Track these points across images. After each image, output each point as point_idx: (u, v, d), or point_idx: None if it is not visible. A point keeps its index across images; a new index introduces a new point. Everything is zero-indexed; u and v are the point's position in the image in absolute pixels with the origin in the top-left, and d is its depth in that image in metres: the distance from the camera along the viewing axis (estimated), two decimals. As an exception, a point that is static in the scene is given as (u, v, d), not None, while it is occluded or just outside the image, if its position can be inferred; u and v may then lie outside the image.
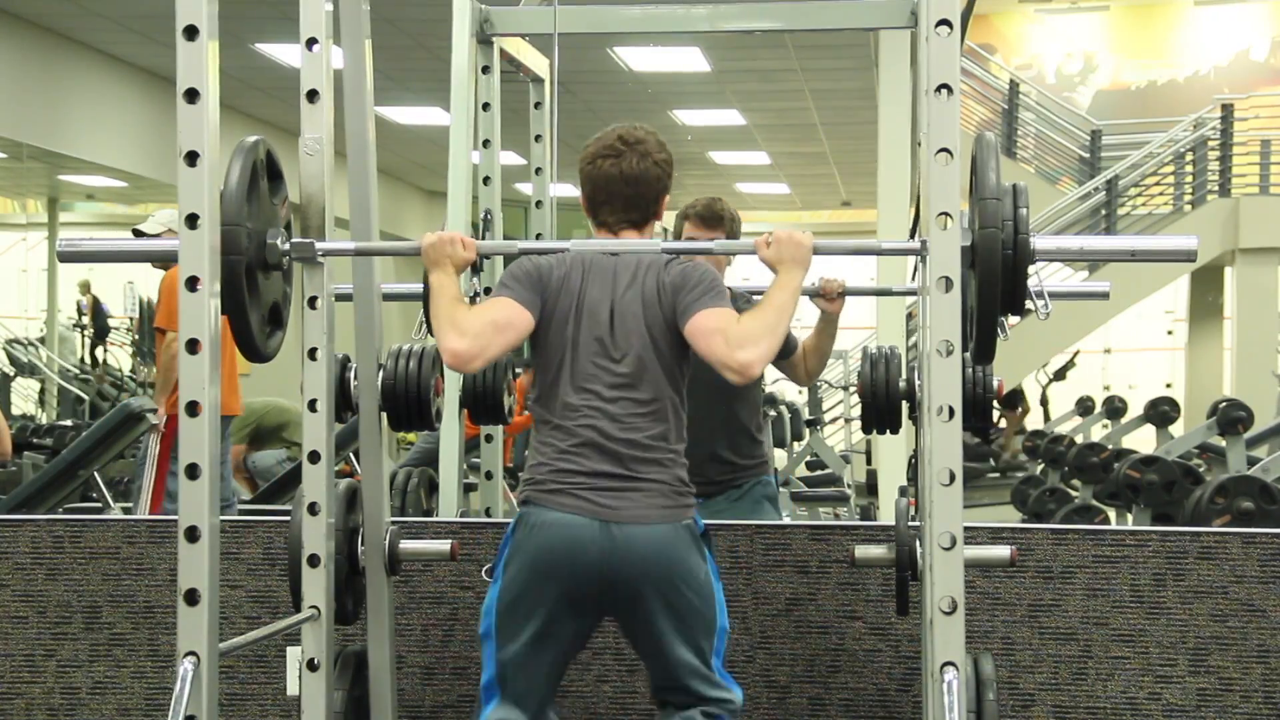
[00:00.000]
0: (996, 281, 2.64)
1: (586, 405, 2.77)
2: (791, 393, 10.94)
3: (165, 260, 3.09)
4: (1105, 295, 3.86)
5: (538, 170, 4.80)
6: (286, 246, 2.84)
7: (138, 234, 6.28)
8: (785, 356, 3.92)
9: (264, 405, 8.17)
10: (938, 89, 2.63)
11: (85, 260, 3.17)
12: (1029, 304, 2.74)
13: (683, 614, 2.74)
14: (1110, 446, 8.94)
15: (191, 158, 2.59)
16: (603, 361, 2.77)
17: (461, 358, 2.72)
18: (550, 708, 2.84)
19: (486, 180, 4.48)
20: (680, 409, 2.83)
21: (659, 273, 2.80)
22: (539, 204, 4.80)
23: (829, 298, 3.73)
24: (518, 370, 4.55)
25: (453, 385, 4.03)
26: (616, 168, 2.85)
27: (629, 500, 2.73)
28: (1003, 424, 12.82)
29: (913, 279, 3.43)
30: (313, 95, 2.93)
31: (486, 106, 4.47)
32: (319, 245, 2.92)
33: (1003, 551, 3.00)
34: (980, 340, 2.73)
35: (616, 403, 2.76)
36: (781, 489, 7.59)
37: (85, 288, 12.95)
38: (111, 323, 13.01)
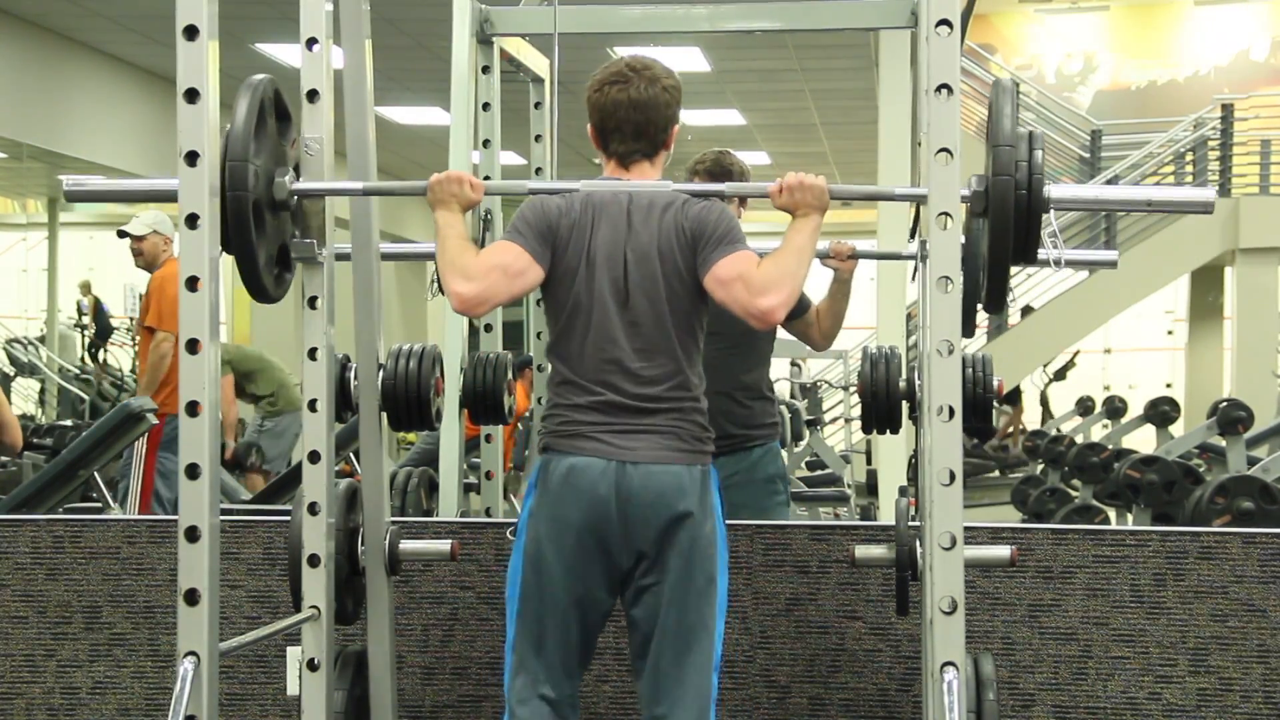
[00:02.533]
0: (1009, 229, 2.61)
1: (601, 354, 2.76)
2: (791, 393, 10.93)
3: (167, 199, 3.07)
4: (1113, 264, 3.83)
5: (538, 170, 4.80)
6: (296, 185, 2.81)
7: (122, 235, 6.27)
8: (799, 316, 3.93)
9: (237, 350, 8.13)
10: (938, 89, 2.63)
11: (91, 200, 3.16)
12: (1042, 253, 2.71)
13: (686, 560, 2.73)
14: (1110, 446, 8.93)
15: (191, 158, 2.59)
16: (616, 308, 2.75)
17: (468, 302, 2.71)
18: (575, 684, 2.81)
19: (487, 180, 4.48)
20: (696, 354, 2.81)
21: (676, 214, 2.77)
22: (539, 204, 4.80)
23: (841, 258, 3.74)
24: (518, 373, 4.55)
25: (453, 385, 4.03)
26: (625, 93, 2.81)
27: (644, 441, 2.74)
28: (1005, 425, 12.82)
29: (913, 279, 3.44)
30: (313, 95, 2.93)
31: (486, 106, 4.48)
32: (312, 185, 2.86)
33: (1003, 551, 3.00)
34: (991, 290, 2.71)
35: (632, 351, 2.75)
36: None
37: (86, 288, 12.95)
38: (113, 323, 13.01)
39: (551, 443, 2.79)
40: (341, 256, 3.06)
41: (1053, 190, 2.68)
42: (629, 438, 2.75)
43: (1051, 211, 2.69)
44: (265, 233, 2.77)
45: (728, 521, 2.88)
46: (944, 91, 2.63)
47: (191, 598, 2.56)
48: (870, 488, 8.27)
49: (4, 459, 6.95)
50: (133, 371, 12.45)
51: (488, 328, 4.50)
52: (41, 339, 12.10)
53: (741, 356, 3.88)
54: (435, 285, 3.00)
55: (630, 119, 2.82)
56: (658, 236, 2.76)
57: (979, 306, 2.90)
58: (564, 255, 2.77)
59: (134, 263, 6.30)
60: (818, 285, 4.01)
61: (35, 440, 8.03)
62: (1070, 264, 3.77)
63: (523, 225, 2.78)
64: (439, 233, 2.79)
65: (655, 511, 2.73)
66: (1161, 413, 9.80)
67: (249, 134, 2.68)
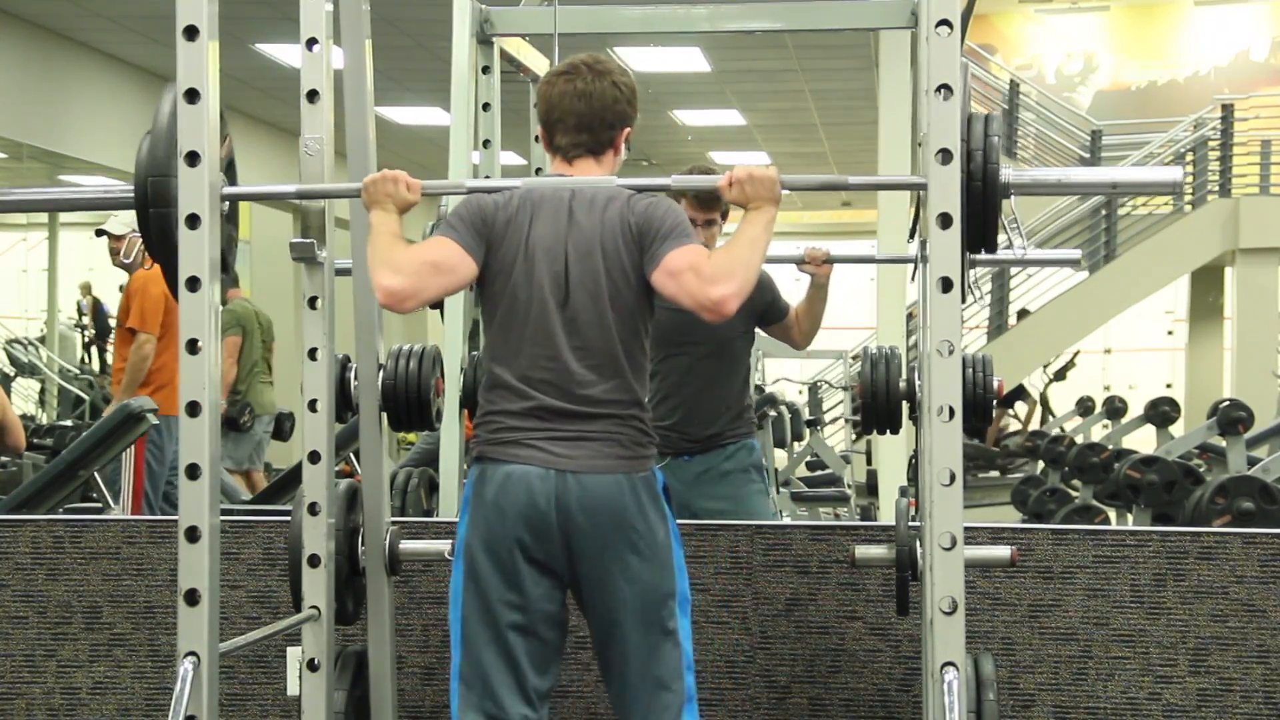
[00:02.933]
0: (963, 217, 2.57)
1: (539, 354, 2.64)
2: (791, 393, 10.94)
3: (91, 207, 3.05)
4: (1076, 263, 3.83)
5: (538, 170, 4.80)
6: (226, 190, 2.74)
7: (100, 233, 6.25)
8: (778, 320, 3.99)
9: (253, 319, 7.64)
10: (938, 89, 2.63)
11: (16, 210, 3.16)
12: (1002, 238, 2.65)
13: (637, 574, 2.61)
14: (1110, 446, 8.93)
15: (192, 158, 2.59)
16: (555, 306, 2.63)
17: (396, 295, 2.59)
18: (538, 709, 2.65)
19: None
20: (641, 357, 2.69)
21: (622, 208, 2.66)
22: (539, 204, 4.80)
23: (816, 263, 3.80)
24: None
25: (453, 385, 4.03)
26: (571, 84, 2.72)
27: (582, 449, 2.61)
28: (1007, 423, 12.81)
29: (913, 279, 3.44)
30: (313, 95, 2.93)
31: (486, 106, 4.47)
32: (244, 190, 2.84)
33: (1003, 552, 3.00)
34: None
35: (570, 350, 2.63)
36: (782, 489, 7.60)
37: (86, 289, 12.94)
38: (112, 323, 13.00)
39: (486, 451, 2.65)
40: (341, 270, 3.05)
41: (1010, 174, 2.63)
42: (568, 445, 2.62)
43: (1012, 198, 2.64)
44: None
45: (728, 522, 2.88)
46: (944, 91, 2.63)
47: (191, 598, 2.56)
48: (870, 488, 8.27)
49: (4, 459, 6.95)
50: (104, 372, 12.45)
51: (488, 328, 4.49)
52: (41, 339, 12.09)
53: (717, 361, 3.93)
54: None
55: (574, 110, 2.72)
56: (601, 231, 2.65)
57: None
58: (499, 249, 2.66)
59: (111, 261, 6.27)
60: (791, 288, 4.07)
61: (35, 440, 8.03)
62: (1031, 262, 3.76)
63: (456, 220, 2.69)
64: (371, 231, 2.69)
65: (597, 523, 2.60)
66: (1161, 413, 9.79)
67: (171, 141, 2.62)
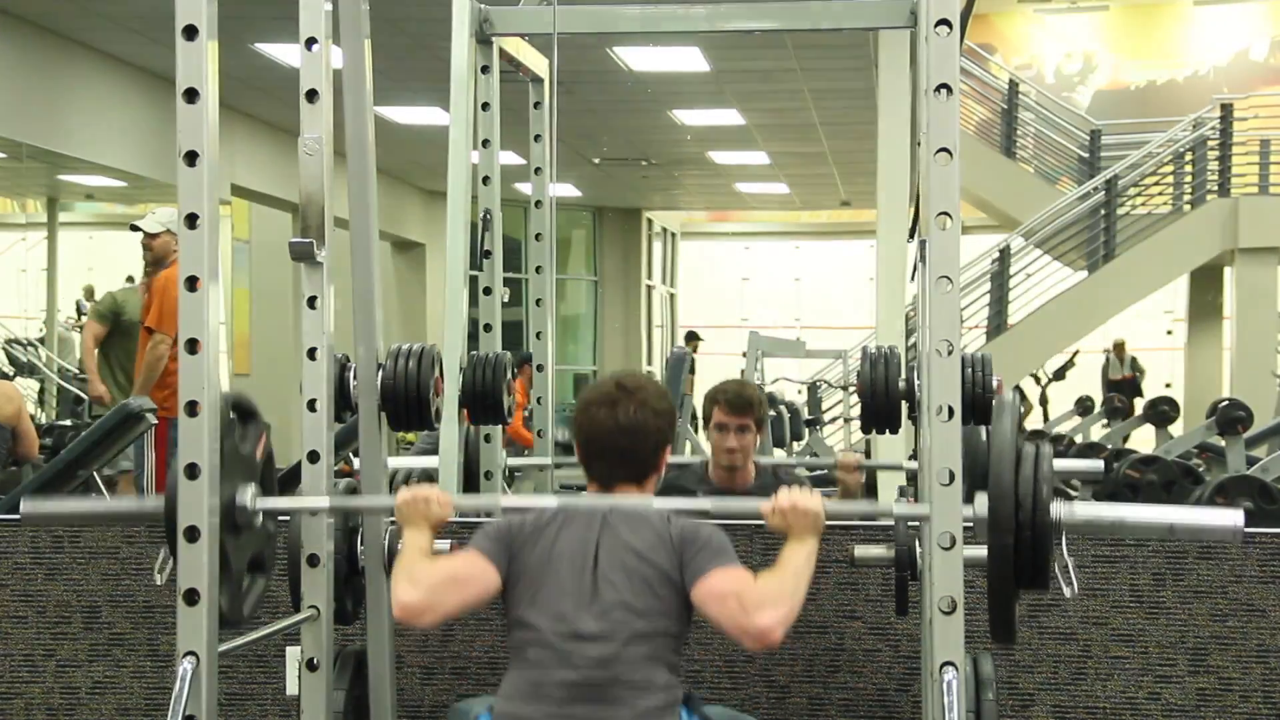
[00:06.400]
0: (1009, 564, 2.49)
1: (562, 685, 2.48)
2: (791, 393, 10.95)
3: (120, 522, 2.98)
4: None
5: (537, 170, 4.80)
6: (262, 504, 2.74)
7: (134, 229, 6.27)
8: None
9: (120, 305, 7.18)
10: (937, 89, 2.63)
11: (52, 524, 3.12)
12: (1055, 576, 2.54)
13: None
14: (1110, 446, 8.93)
15: (191, 157, 2.59)
16: (581, 619, 2.50)
17: (410, 610, 2.49)
18: None
19: (486, 180, 4.49)
20: (675, 659, 2.56)
21: (657, 526, 2.57)
22: (538, 203, 4.81)
23: (848, 470, 4.04)
24: (516, 370, 4.55)
25: (452, 385, 4.03)
26: (613, 416, 2.65)
27: None
28: None
29: (912, 278, 3.44)
30: (312, 95, 2.92)
31: (486, 106, 4.48)
32: (276, 504, 2.80)
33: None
34: (996, 620, 2.57)
35: (597, 684, 2.48)
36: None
37: (89, 293, 12.92)
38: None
39: None
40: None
41: (1063, 512, 2.52)
42: None
43: (1064, 539, 2.52)
44: (228, 559, 2.64)
45: (727, 521, 2.86)
46: (943, 91, 2.62)
47: (191, 598, 2.56)
48: (870, 488, 8.26)
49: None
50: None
51: (487, 327, 4.50)
52: (41, 339, 12.08)
53: None
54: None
55: (616, 445, 2.65)
56: (637, 541, 2.55)
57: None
58: (524, 559, 2.57)
59: (143, 258, 6.28)
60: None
61: (35, 440, 8.01)
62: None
63: (481, 535, 2.62)
64: (401, 547, 2.65)
65: None
66: (1161, 413, 9.80)
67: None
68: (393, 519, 3.18)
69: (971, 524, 2.56)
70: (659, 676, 2.52)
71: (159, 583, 2.69)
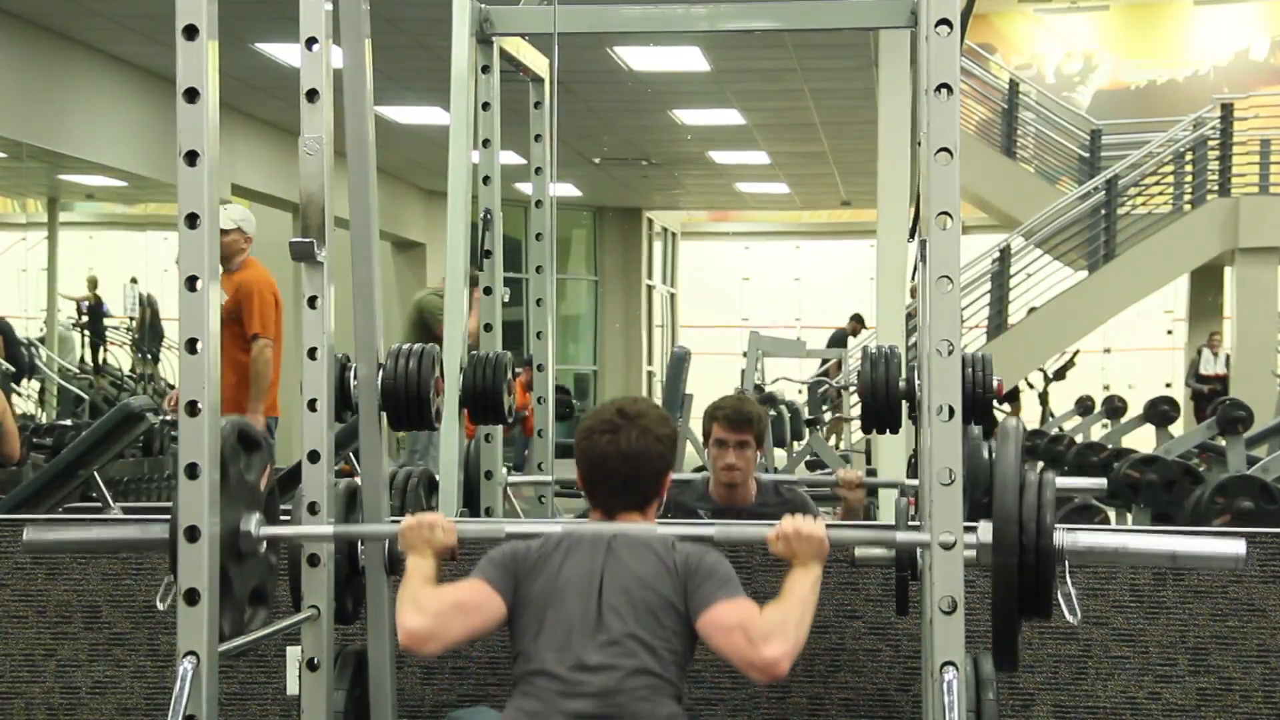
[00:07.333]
0: (1014, 589, 2.51)
1: (567, 715, 2.49)
2: (791, 392, 10.94)
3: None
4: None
5: (537, 170, 4.80)
6: (265, 531, 2.74)
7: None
8: None
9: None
10: (938, 89, 2.63)
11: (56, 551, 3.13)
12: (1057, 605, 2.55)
13: None
14: (1110, 446, 8.93)
15: (191, 157, 2.59)
16: (586, 650, 2.51)
17: (416, 637, 2.51)
18: None
19: (486, 180, 4.48)
20: (680, 686, 2.57)
21: (661, 553, 2.58)
22: (539, 203, 4.81)
23: (850, 487, 4.01)
24: (517, 370, 4.55)
25: (452, 385, 4.03)
26: (614, 444, 2.66)
27: None
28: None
29: (912, 278, 3.44)
30: (312, 95, 2.92)
31: (486, 106, 4.47)
32: (278, 531, 2.82)
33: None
34: (1000, 643, 2.58)
35: (602, 715, 2.48)
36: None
37: (94, 283, 12.89)
38: (110, 323, 12.98)
39: None
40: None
41: (1065, 541, 2.52)
42: None
43: (1067, 567, 2.52)
44: (230, 582, 2.64)
45: (724, 521, 2.87)
46: (944, 91, 2.63)
47: (191, 598, 2.56)
48: (870, 489, 8.25)
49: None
50: (132, 370, 12.43)
51: (487, 327, 4.50)
52: (41, 339, 12.08)
53: None
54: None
55: (619, 471, 2.67)
56: (641, 567, 2.56)
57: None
58: (529, 587, 2.58)
59: None
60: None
61: (35, 440, 8.02)
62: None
63: (486, 562, 2.64)
64: (406, 574, 2.65)
65: None
66: (1161, 412, 9.79)
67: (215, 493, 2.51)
68: (393, 520, 3.18)
69: (975, 549, 2.58)
70: (664, 707, 2.53)
71: (161, 607, 2.66)
